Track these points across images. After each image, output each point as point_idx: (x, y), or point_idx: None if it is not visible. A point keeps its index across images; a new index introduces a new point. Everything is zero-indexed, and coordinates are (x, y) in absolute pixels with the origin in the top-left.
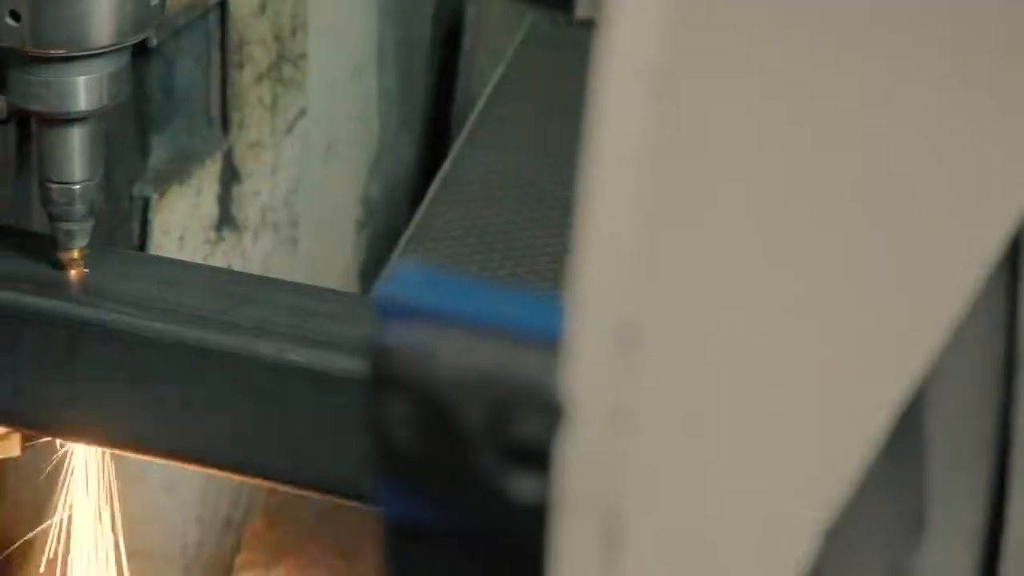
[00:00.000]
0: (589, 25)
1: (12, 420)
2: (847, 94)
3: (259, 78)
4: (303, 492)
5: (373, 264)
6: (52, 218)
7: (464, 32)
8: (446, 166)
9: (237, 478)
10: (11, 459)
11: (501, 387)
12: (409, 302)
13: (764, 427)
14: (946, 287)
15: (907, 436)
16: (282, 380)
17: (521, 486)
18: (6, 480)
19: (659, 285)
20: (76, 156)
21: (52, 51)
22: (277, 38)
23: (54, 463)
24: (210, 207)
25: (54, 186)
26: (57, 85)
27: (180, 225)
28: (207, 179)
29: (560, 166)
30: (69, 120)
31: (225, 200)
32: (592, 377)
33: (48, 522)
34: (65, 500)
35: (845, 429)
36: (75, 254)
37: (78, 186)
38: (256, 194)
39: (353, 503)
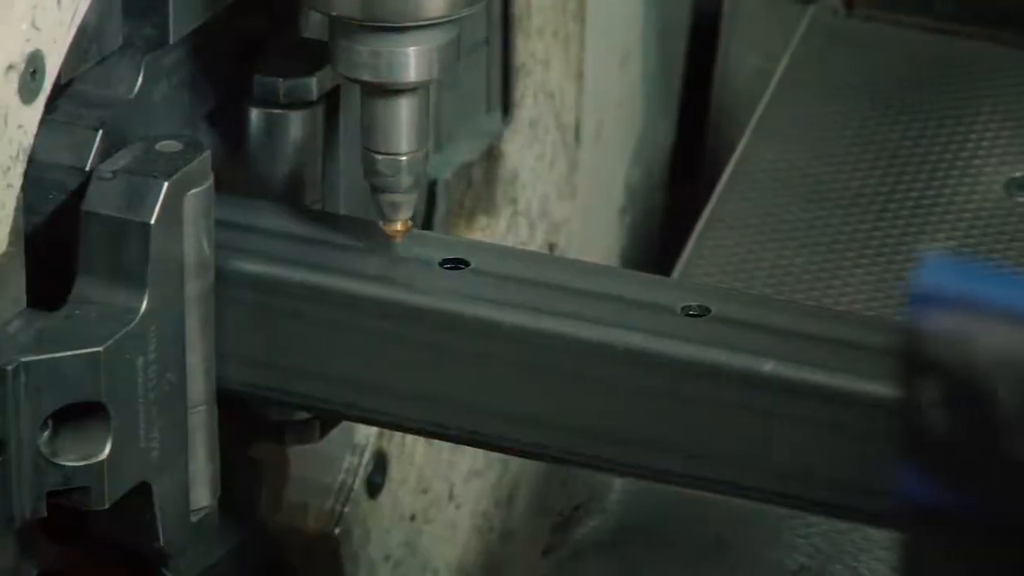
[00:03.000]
0: (870, 18)
1: (320, 407)
2: None
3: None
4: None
5: (634, 250)
6: (376, 190)
7: (721, 18)
8: (736, 156)
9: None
10: (311, 447)
11: None
12: (943, 290)
13: None
14: None
15: None
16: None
17: None
18: (303, 468)
19: None
20: (403, 127)
21: (385, 21)
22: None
23: (350, 451)
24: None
25: (380, 157)
26: (387, 55)
27: None
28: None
29: (846, 159)
30: (397, 91)
31: None
32: None
33: (342, 510)
34: (356, 489)
35: None
36: (398, 227)
37: (404, 157)
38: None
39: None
